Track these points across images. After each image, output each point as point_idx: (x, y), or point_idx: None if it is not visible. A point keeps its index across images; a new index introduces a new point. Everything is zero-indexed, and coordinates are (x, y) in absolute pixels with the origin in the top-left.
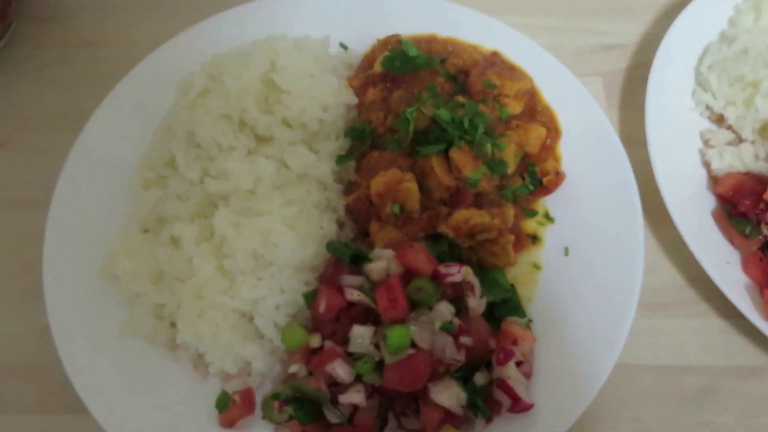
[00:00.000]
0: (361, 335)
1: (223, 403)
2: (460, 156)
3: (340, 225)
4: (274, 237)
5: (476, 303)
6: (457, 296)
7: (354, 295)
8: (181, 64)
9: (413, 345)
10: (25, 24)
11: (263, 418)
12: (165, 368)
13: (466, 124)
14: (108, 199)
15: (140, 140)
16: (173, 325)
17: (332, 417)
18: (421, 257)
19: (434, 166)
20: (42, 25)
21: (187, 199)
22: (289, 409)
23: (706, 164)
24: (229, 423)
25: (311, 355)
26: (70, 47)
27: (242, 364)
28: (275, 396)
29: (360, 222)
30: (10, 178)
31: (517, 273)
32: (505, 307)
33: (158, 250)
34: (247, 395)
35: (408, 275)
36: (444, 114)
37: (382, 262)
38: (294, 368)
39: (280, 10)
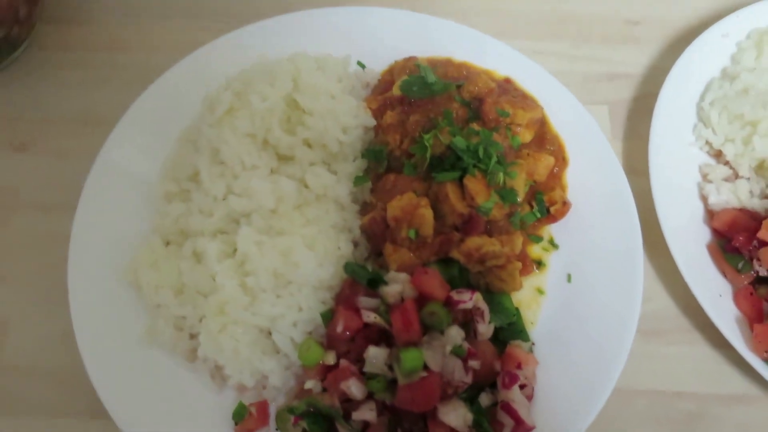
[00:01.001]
0: (375, 356)
1: (240, 414)
2: (474, 184)
3: (355, 244)
4: (294, 256)
5: (485, 329)
6: (466, 320)
7: (371, 318)
8: (204, 75)
9: (425, 368)
10: (45, 26)
11: (277, 430)
12: (183, 377)
13: (480, 153)
14: (132, 207)
15: (163, 150)
16: (192, 336)
17: None
18: (435, 283)
19: (449, 193)
20: (62, 27)
21: (210, 214)
22: (303, 424)
23: (704, 198)
24: None
25: (326, 372)
26: (91, 51)
27: (259, 378)
28: (291, 410)
29: (374, 242)
30: (33, 181)
31: (521, 297)
32: (510, 330)
33: (181, 263)
34: (263, 407)
35: (421, 299)
36: (460, 142)
37: (397, 286)
38: (310, 384)
39: (302, 26)
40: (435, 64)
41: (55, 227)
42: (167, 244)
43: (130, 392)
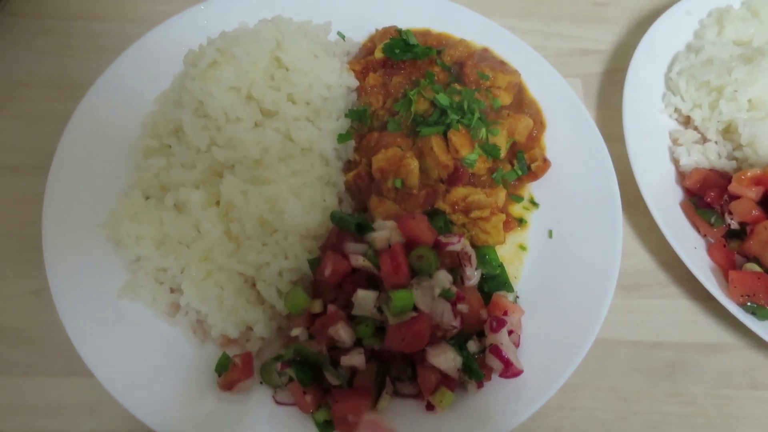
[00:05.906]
0: (364, 298)
1: (224, 365)
2: (458, 137)
3: (339, 200)
4: (280, 204)
5: (472, 272)
6: (453, 266)
7: (359, 261)
8: (182, 40)
9: (415, 308)
10: None
11: (262, 382)
12: (164, 332)
13: (465, 107)
14: (107, 166)
15: (140, 111)
16: (173, 290)
17: (332, 379)
18: (422, 227)
19: (434, 146)
20: None
21: (192, 166)
22: (290, 371)
23: (675, 161)
24: (227, 386)
25: (312, 320)
26: (67, 20)
27: (243, 329)
28: (277, 358)
29: (358, 198)
30: (7, 144)
31: (504, 253)
32: (495, 282)
33: (163, 214)
34: (247, 359)
35: (409, 245)
36: (443, 98)
37: (385, 232)
38: (296, 331)
39: None
40: (414, 34)
41: (26, 189)
42: (147, 198)
43: (110, 348)
